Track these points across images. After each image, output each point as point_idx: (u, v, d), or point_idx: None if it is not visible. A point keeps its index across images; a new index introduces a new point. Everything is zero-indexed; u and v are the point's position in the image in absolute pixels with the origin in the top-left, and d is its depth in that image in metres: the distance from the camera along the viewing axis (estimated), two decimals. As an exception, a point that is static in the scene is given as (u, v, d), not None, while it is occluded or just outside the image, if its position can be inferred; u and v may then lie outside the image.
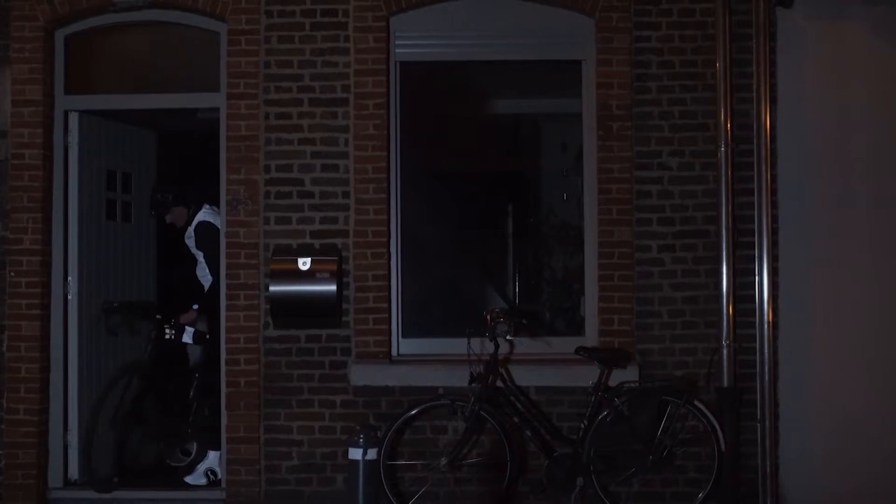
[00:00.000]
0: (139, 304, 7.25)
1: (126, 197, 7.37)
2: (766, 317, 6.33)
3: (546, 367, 6.45)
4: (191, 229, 7.08)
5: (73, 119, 6.80)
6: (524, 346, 6.51)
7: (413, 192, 6.82)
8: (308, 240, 6.55)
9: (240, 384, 6.48)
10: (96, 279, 6.97)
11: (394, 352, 6.61)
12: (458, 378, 6.19)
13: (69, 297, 6.77)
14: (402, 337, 6.67)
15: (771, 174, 6.39)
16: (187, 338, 6.98)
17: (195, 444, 7.07)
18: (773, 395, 6.33)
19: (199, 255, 7.08)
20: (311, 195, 6.57)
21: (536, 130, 8.05)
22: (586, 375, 6.18)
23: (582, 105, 6.69)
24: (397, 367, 6.47)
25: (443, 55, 6.81)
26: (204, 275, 7.06)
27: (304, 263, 6.35)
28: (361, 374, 6.43)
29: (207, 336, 7.01)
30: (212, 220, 7.04)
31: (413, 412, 6.16)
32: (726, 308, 6.32)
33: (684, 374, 6.40)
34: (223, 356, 6.57)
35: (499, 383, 6.20)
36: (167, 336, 6.91)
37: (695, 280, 6.47)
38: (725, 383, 6.29)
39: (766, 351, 6.31)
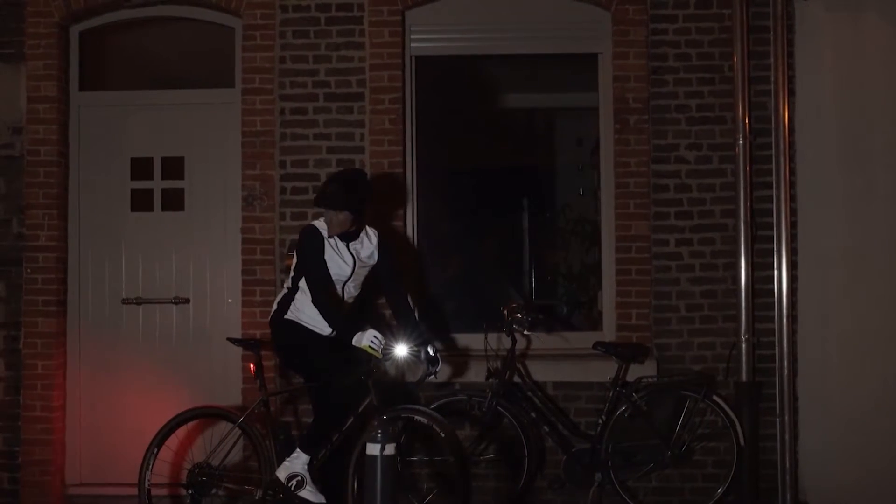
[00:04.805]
0: None
1: (169, 184, 6.80)
2: (784, 310, 6.30)
3: (563, 362, 6.42)
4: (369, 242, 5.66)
5: (88, 112, 6.79)
6: (541, 341, 6.50)
7: (429, 187, 6.80)
8: (324, 235, 6.52)
9: (257, 380, 6.45)
10: (115, 275, 6.84)
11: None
12: (475, 373, 6.17)
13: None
14: (419, 332, 6.65)
15: (789, 167, 6.36)
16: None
17: None
18: (792, 389, 6.30)
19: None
20: (327, 190, 6.54)
21: (552, 124, 8.02)
22: (604, 370, 6.17)
23: (598, 99, 6.67)
24: (414, 362, 6.45)
25: (458, 49, 6.78)
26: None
27: None
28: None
29: None
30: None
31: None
32: (745, 302, 6.29)
33: (702, 369, 6.37)
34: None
35: (516, 378, 6.19)
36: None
37: (713, 274, 6.44)
38: (744, 377, 6.26)
39: (784, 345, 6.28)
